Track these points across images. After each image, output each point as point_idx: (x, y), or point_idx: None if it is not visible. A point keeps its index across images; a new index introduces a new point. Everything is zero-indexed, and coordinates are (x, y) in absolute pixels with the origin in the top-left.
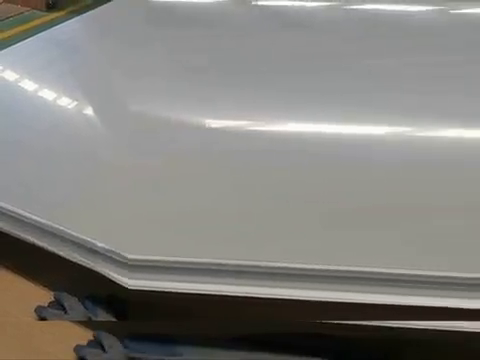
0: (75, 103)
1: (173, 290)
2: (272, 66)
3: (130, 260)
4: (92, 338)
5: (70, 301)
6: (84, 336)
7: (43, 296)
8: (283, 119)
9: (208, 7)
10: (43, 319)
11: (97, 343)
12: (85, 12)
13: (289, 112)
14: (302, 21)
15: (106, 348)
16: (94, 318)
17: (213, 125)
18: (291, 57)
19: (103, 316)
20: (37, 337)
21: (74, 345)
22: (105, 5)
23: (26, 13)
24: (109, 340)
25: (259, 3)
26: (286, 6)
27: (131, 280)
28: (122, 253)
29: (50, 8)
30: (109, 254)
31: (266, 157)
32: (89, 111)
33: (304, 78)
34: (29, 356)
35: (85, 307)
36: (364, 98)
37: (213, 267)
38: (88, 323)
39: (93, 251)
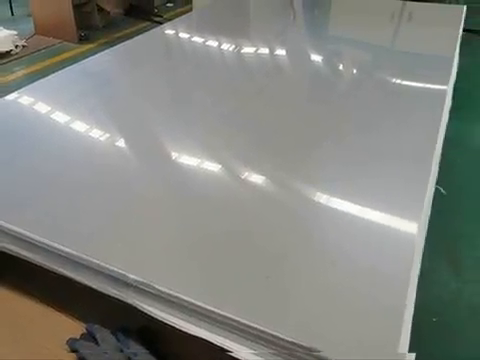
0: (107, 135)
1: None
2: None
3: None
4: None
5: (102, 333)
6: None
7: (75, 328)
8: None
9: None
10: (75, 351)
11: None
12: (117, 44)
13: None
14: None
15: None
16: (126, 350)
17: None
18: None
19: (135, 348)
20: None
21: None
22: (136, 38)
23: (58, 45)
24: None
25: None
26: None
27: None
28: None
29: (82, 40)
30: (141, 286)
31: None
32: (121, 143)
33: None
34: None
35: (117, 339)
36: None
37: None
38: None
39: (125, 283)
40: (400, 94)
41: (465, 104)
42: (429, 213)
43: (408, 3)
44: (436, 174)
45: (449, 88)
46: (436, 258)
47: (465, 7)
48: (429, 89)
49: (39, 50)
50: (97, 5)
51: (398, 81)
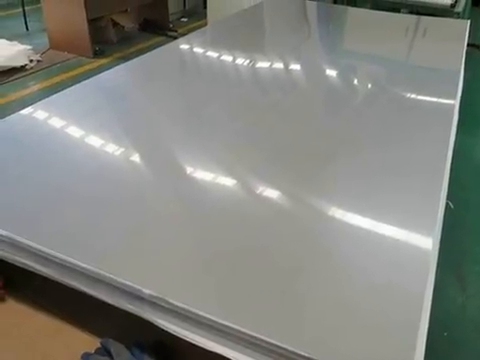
0: (122, 150)
1: None
2: None
3: None
4: None
5: (117, 348)
6: None
7: (90, 343)
8: None
9: None
10: None
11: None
12: (131, 59)
13: None
14: None
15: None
16: None
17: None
18: None
19: None
20: None
21: None
22: (151, 52)
23: (72, 60)
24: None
25: None
26: None
27: None
28: None
29: (97, 55)
30: (156, 301)
31: None
32: (136, 158)
33: None
34: None
35: (132, 354)
36: None
37: None
38: None
39: (140, 298)
40: (411, 109)
41: (468, 118)
42: (441, 227)
43: (416, 17)
44: (446, 188)
45: (456, 102)
46: (445, 272)
47: (469, 21)
48: (438, 103)
49: (54, 64)
50: (112, 20)
51: (409, 95)
